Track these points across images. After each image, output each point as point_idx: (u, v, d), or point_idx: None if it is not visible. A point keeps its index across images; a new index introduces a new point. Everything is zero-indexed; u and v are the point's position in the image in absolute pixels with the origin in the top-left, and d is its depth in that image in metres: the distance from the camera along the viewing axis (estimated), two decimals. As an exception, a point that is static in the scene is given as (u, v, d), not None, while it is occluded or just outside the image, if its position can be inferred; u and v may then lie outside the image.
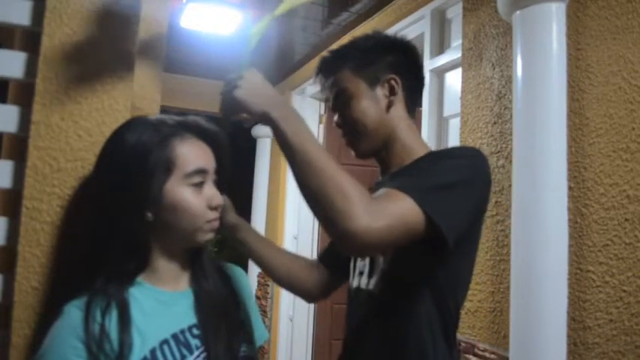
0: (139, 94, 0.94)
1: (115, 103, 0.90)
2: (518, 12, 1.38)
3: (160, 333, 0.74)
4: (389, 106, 1.00)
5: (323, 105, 3.44)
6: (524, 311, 1.30)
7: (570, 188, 1.36)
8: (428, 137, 2.03)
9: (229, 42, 2.52)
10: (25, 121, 0.85)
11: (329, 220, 0.74)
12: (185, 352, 0.75)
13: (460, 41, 1.88)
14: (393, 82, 1.00)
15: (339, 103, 1.01)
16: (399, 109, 1.01)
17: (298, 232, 3.41)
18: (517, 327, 1.31)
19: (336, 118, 1.03)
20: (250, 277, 3.57)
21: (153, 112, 0.96)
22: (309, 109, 3.45)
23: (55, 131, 0.85)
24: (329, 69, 1.03)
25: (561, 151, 1.31)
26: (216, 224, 0.81)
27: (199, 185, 0.78)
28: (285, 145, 0.77)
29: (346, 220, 0.71)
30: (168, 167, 0.75)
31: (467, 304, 1.68)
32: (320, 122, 3.44)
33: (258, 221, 3.91)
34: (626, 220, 1.25)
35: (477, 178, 0.89)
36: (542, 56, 1.32)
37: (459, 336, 1.69)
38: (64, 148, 0.86)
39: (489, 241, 1.62)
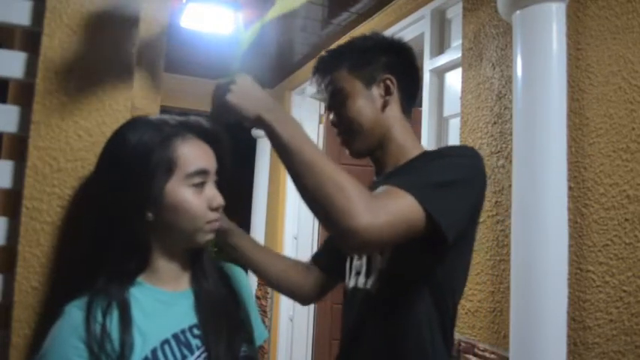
0: (139, 94, 0.94)
1: (115, 103, 0.90)
2: (518, 12, 1.38)
3: (160, 333, 0.74)
4: (384, 105, 1.01)
5: (323, 105, 3.44)
6: (524, 311, 1.30)
7: (570, 188, 1.36)
8: (428, 137, 2.03)
9: (229, 42, 2.51)
10: (25, 121, 0.85)
11: (330, 219, 0.74)
12: (186, 352, 0.75)
13: (460, 41, 1.88)
14: (388, 82, 1.01)
15: (335, 102, 1.02)
16: (394, 109, 1.02)
17: (298, 232, 3.41)
18: (517, 327, 1.31)
19: (331, 117, 1.04)
20: (250, 277, 3.57)
21: (153, 112, 0.96)
22: (308, 109, 3.45)
23: (55, 131, 0.85)
24: (326, 68, 1.04)
25: (561, 151, 1.31)
26: (216, 225, 0.81)
27: (200, 186, 0.78)
28: (281, 147, 0.77)
29: (347, 219, 0.72)
30: (169, 167, 0.75)
31: (467, 304, 1.68)
32: (320, 122, 3.44)
33: (258, 221, 3.91)
34: (626, 220, 1.26)
35: (474, 176, 0.90)
36: (542, 56, 1.33)
37: (459, 336, 1.69)
38: (64, 148, 0.85)
39: (489, 241, 1.62)
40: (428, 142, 2.03)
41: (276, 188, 3.68)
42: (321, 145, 3.32)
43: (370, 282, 0.97)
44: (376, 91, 1.01)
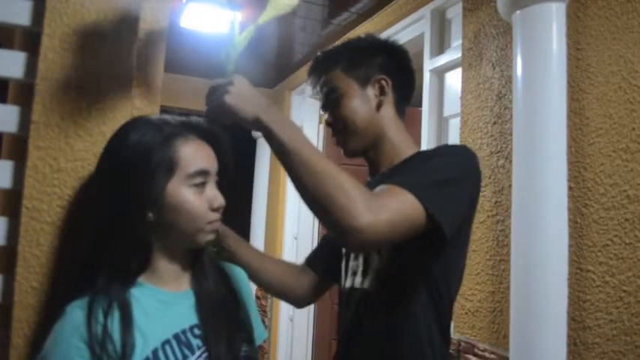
0: (139, 94, 0.94)
1: (115, 104, 0.90)
2: (518, 12, 1.39)
3: (161, 333, 0.74)
4: (379, 106, 1.02)
5: (323, 105, 3.44)
6: (524, 311, 1.30)
7: (570, 188, 1.36)
8: (428, 137, 2.03)
9: (223, 43, 2.51)
10: (25, 121, 0.85)
11: (331, 219, 0.75)
12: (187, 352, 0.75)
13: (460, 41, 1.88)
14: (383, 82, 1.02)
15: (331, 102, 1.03)
16: (388, 110, 1.03)
17: (298, 232, 3.40)
18: (517, 327, 1.32)
19: (327, 116, 1.05)
20: (250, 277, 3.56)
21: (153, 112, 0.96)
22: (308, 109, 3.45)
23: (55, 131, 0.85)
24: (321, 68, 1.05)
25: (561, 151, 1.31)
26: (217, 225, 0.81)
27: (201, 186, 0.78)
28: (280, 148, 0.77)
29: (349, 218, 0.72)
30: (170, 167, 0.75)
31: (467, 304, 1.68)
32: (320, 122, 3.44)
33: (258, 221, 3.90)
34: (626, 220, 1.26)
35: (469, 174, 0.92)
36: (542, 56, 1.33)
37: (459, 336, 1.69)
38: (64, 148, 0.85)
39: (489, 241, 1.62)
40: (428, 142, 2.03)
41: (276, 188, 3.68)
42: (321, 146, 3.32)
43: (367, 282, 0.98)
44: (371, 92, 1.02)
